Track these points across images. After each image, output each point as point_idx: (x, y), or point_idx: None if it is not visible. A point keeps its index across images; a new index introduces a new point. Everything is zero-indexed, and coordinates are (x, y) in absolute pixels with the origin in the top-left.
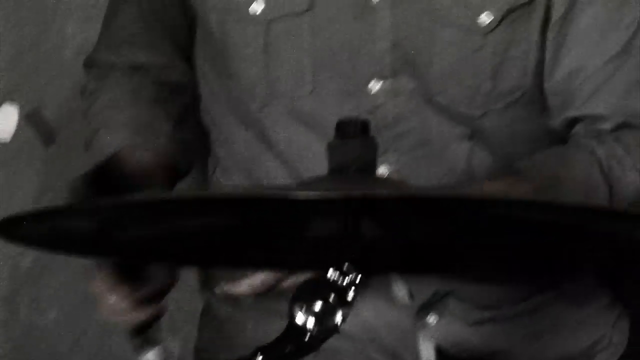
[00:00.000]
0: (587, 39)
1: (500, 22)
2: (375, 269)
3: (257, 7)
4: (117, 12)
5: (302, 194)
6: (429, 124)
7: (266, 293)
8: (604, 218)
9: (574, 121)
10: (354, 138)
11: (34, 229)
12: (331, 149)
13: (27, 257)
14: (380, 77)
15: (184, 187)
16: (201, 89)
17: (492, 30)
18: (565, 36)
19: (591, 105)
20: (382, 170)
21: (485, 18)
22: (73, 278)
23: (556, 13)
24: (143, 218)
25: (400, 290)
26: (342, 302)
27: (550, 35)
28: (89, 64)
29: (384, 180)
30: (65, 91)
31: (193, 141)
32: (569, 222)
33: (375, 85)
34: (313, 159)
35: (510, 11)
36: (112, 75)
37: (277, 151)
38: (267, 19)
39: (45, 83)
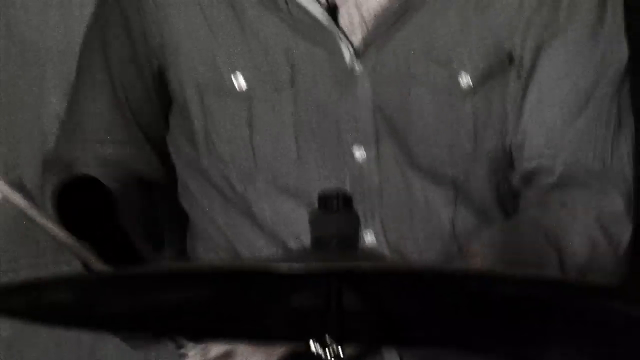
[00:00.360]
0: (545, 93)
1: (478, 83)
2: (357, 341)
3: (239, 83)
4: (85, 98)
5: (285, 267)
6: (414, 189)
7: None
8: (555, 288)
9: (528, 177)
10: (336, 211)
11: (14, 301)
12: (313, 221)
13: (6, 327)
14: (364, 143)
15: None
16: (178, 168)
17: (470, 91)
18: (526, 90)
19: (544, 158)
20: (368, 236)
21: (464, 79)
22: (54, 348)
23: (523, 71)
24: (124, 291)
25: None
26: None
27: (518, 92)
28: (49, 166)
29: (367, 254)
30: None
31: (163, 229)
32: (524, 295)
33: (358, 154)
34: (298, 227)
35: (488, 72)
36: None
37: (261, 222)
38: (248, 94)
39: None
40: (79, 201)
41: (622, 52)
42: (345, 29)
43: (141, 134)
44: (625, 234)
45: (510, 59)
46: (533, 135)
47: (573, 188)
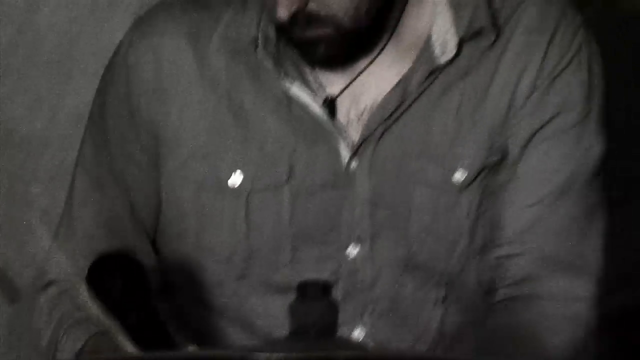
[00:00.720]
0: (526, 183)
1: (473, 179)
2: None
3: (236, 180)
4: (85, 203)
5: (263, 356)
6: (405, 289)
7: None
8: None
9: (502, 265)
10: (316, 300)
11: None
12: (292, 310)
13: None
14: (359, 241)
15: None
16: (166, 269)
17: (466, 187)
18: (510, 179)
19: (519, 244)
20: (357, 332)
21: (460, 176)
22: None
23: (509, 161)
24: None
25: None
26: None
27: (502, 178)
28: (46, 284)
29: (345, 343)
30: (28, 254)
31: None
32: None
33: (353, 250)
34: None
35: (482, 167)
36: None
37: (250, 321)
38: (246, 191)
39: (10, 244)
40: (112, 279)
41: (600, 146)
42: (343, 124)
43: (136, 244)
44: (596, 321)
45: (503, 153)
46: (509, 223)
47: (545, 278)
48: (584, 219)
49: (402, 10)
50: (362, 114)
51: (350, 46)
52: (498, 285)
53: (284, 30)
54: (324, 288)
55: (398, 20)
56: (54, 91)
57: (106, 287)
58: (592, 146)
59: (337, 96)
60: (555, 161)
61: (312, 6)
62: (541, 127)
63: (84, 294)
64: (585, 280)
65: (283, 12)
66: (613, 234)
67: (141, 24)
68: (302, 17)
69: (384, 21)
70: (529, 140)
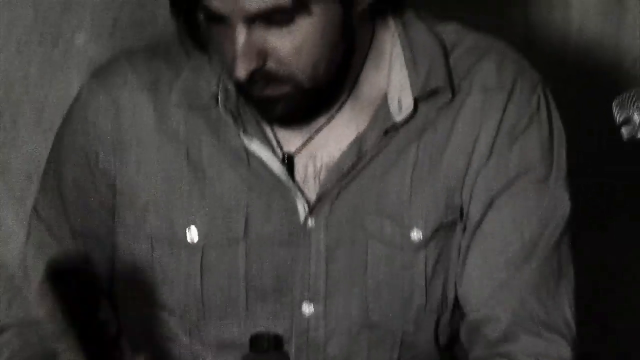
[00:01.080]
0: (491, 244)
1: (430, 237)
2: None
3: (191, 235)
4: (40, 254)
5: None
6: (359, 348)
7: None
8: None
9: (475, 328)
10: (267, 352)
11: None
12: None
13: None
14: (313, 299)
15: None
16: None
17: (422, 246)
18: (472, 241)
19: (490, 308)
20: None
21: (416, 234)
22: None
23: (470, 223)
24: None
25: None
26: None
27: (463, 243)
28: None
29: None
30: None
31: None
32: None
33: (307, 308)
34: None
35: (439, 226)
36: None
37: None
38: (201, 246)
39: None
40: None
41: (565, 204)
42: (300, 181)
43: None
44: None
45: (460, 212)
46: (479, 286)
47: (520, 339)
48: (553, 279)
49: (361, 69)
50: (319, 172)
51: (309, 104)
52: (473, 346)
53: (243, 88)
54: (276, 341)
55: (356, 78)
56: (3, 143)
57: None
58: (557, 205)
59: (295, 153)
60: (519, 222)
61: (270, 65)
62: (503, 189)
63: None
64: (559, 339)
65: (241, 72)
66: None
67: (101, 73)
68: (260, 76)
69: (343, 80)
70: (491, 202)
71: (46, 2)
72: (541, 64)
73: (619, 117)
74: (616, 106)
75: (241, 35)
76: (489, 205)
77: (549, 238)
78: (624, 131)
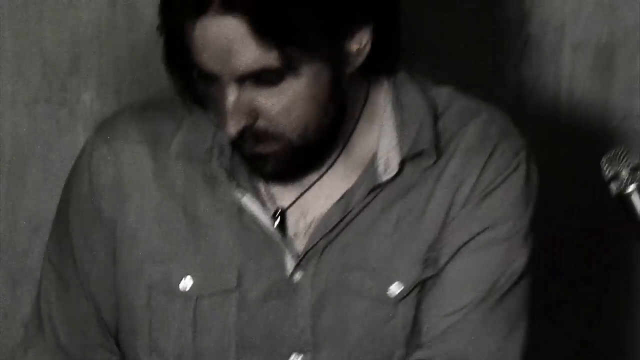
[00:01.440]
0: (448, 290)
1: (408, 291)
2: None
3: (186, 284)
4: (51, 300)
5: None
6: None
7: None
8: None
9: None
10: None
11: None
12: None
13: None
14: (301, 351)
15: None
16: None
17: (402, 300)
18: (433, 286)
19: (436, 349)
20: None
21: (395, 289)
22: None
23: (437, 272)
24: None
25: None
26: None
27: (427, 286)
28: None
29: None
30: None
31: None
32: None
33: (296, 359)
34: None
35: (417, 280)
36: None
37: None
38: (195, 296)
39: None
40: None
41: (522, 259)
42: (291, 235)
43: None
44: None
45: (435, 266)
46: (429, 328)
47: None
48: (504, 327)
49: (354, 127)
50: (309, 226)
51: (300, 161)
52: None
53: (235, 145)
54: None
55: (349, 137)
56: (12, 197)
57: None
58: (517, 259)
59: (286, 209)
60: (478, 272)
61: (260, 124)
62: (468, 240)
63: None
64: None
65: (231, 130)
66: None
67: (105, 127)
68: (251, 134)
69: (335, 138)
70: (455, 252)
71: (54, 62)
72: (533, 123)
73: (608, 173)
74: (605, 162)
75: (232, 94)
76: (453, 254)
77: (503, 289)
78: (613, 186)
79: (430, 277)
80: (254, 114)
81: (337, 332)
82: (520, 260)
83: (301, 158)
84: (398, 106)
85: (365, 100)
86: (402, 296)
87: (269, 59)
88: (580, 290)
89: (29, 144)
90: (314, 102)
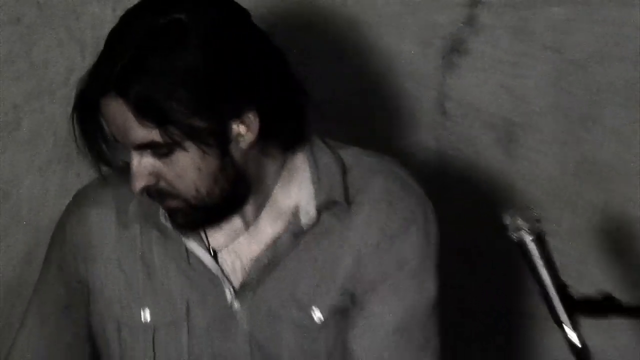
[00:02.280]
0: (371, 321)
1: (329, 318)
2: None
3: (146, 317)
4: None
5: None
6: None
7: None
8: None
9: None
10: None
11: None
12: None
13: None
14: None
15: None
16: None
17: (323, 326)
18: (357, 319)
19: None
20: None
21: (318, 316)
22: None
23: (356, 306)
24: None
25: None
26: None
27: (351, 321)
28: None
29: None
30: None
31: None
32: None
33: None
34: None
35: (335, 309)
36: None
37: None
38: (153, 325)
39: None
40: None
41: (432, 290)
42: (228, 271)
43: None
44: None
45: (352, 298)
46: (361, 355)
47: None
48: (422, 350)
49: (274, 184)
50: (244, 265)
51: (207, 216)
52: None
53: (152, 199)
54: None
55: (271, 193)
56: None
57: None
58: (427, 289)
59: (220, 250)
60: (394, 306)
61: (162, 184)
62: (382, 280)
63: None
64: None
65: (134, 187)
66: None
67: (80, 193)
68: (155, 191)
69: (257, 195)
70: (372, 289)
71: (64, 130)
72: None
73: (506, 223)
74: (507, 215)
75: (134, 158)
76: (371, 291)
77: (419, 317)
78: (514, 235)
79: (347, 308)
80: (156, 175)
81: (272, 356)
82: (429, 291)
83: (206, 214)
84: (314, 166)
85: (285, 162)
86: (324, 322)
87: (153, 136)
88: None
89: (41, 201)
90: (202, 173)
